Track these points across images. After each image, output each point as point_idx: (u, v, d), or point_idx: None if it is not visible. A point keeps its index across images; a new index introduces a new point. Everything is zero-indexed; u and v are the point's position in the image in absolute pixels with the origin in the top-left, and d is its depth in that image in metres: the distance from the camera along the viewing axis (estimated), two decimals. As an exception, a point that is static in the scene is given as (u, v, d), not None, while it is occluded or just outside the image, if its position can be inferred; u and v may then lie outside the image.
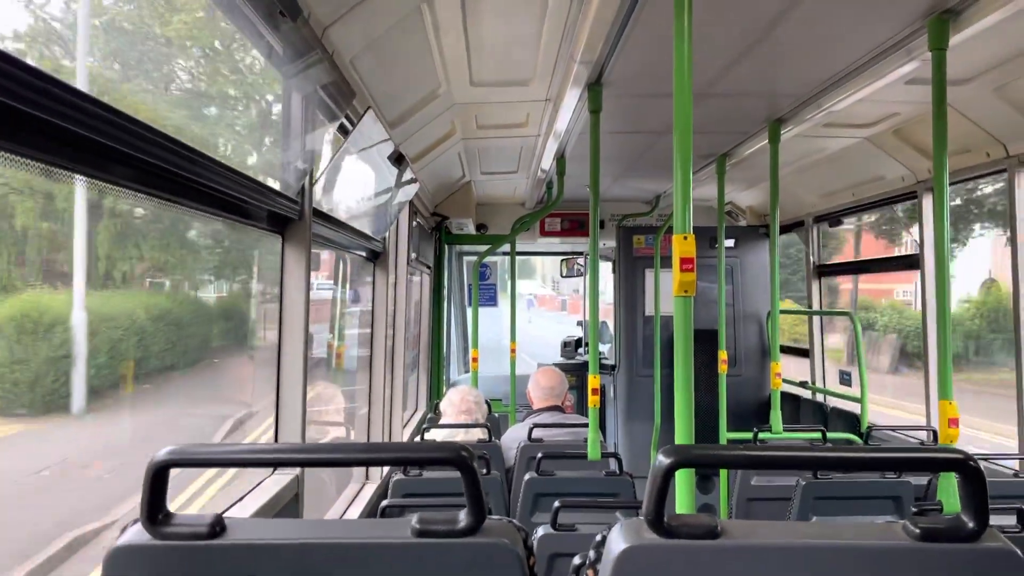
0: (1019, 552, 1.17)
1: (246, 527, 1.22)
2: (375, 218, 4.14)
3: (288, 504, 2.42)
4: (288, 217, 2.51)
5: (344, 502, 3.84)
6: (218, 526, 1.20)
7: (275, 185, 2.41)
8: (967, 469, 1.18)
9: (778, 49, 3.21)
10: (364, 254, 4.27)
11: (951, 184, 2.99)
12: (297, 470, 2.55)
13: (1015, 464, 3.73)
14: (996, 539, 1.18)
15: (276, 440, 2.50)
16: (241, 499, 2.31)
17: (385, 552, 1.20)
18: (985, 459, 3.88)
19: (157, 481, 1.19)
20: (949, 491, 2.90)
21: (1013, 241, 3.86)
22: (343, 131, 2.99)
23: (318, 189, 2.78)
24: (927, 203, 4.68)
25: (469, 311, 7.37)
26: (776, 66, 3.45)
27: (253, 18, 1.96)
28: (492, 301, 8.34)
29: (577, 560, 1.79)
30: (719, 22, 2.89)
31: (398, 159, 3.98)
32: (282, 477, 2.46)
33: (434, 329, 7.14)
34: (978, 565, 1.16)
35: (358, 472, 4.24)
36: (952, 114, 3.45)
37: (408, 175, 4.29)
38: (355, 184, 3.61)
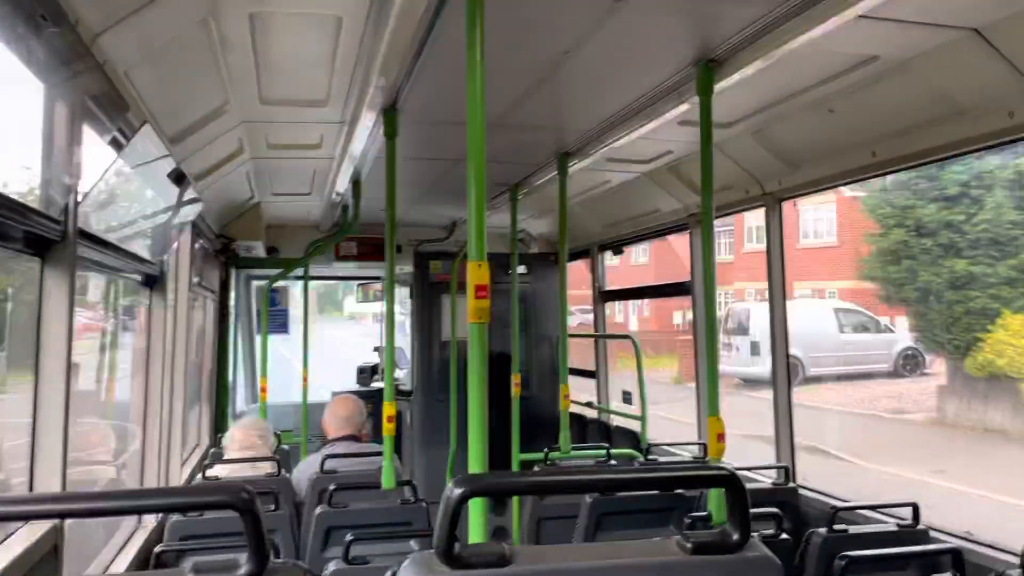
0: (776, 559, 1.28)
1: None
2: (152, 240, 3.86)
3: (44, 560, 2.15)
4: (49, 238, 2.27)
5: (113, 549, 3.49)
6: None
7: (33, 203, 2.17)
8: (731, 485, 1.27)
9: (565, 86, 3.37)
10: (139, 278, 3.97)
11: (716, 217, 3.26)
12: (53, 522, 2.29)
13: (774, 474, 4.12)
14: (757, 549, 1.28)
15: (31, 488, 2.22)
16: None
17: None
18: (748, 470, 4.25)
19: None
20: (719, 502, 3.14)
21: (769, 264, 4.29)
22: (116, 145, 2.76)
23: (86, 208, 2.55)
24: (696, 234, 5.08)
25: (259, 338, 7.05)
26: (563, 102, 3.62)
27: (11, 20, 1.77)
28: (283, 328, 8.01)
29: None
30: (510, 57, 2.99)
31: (179, 177, 3.74)
32: (36, 529, 2.19)
33: (219, 358, 6.76)
34: (742, 571, 1.26)
35: (128, 518, 3.89)
36: (717, 154, 3.78)
37: (190, 194, 4.05)
38: (129, 203, 3.35)
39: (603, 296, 6.67)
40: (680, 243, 5.84)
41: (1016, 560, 2.31)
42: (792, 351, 4.53)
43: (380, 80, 2.97)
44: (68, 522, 2.34)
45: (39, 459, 2.18)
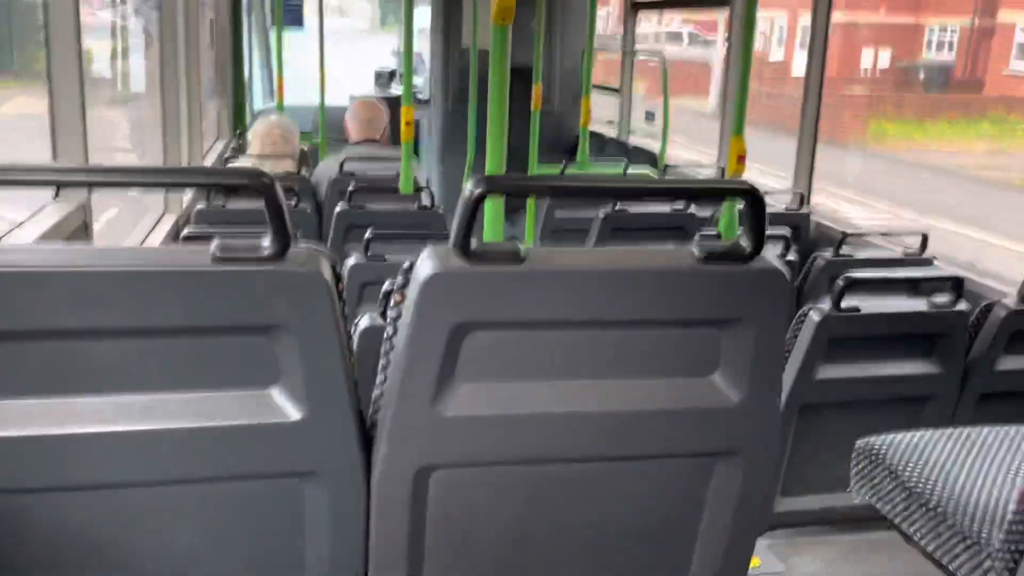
0: (785, 271, 1.31)
1: (19, 253, 1.12)
2: None
3: (74, 235, 2.24)
4: None
5: (141, 232, 3.64)
6: None
7: None
8: (751, 197, 1.27)
9: None
10: None
11: None
12: (82, 195, 2.35)
13: (787, 199, 4.15)
14: (766, 261, 1.31)
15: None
16: (17, 226, 2.10)
17: (181, 278, 1.14)
18: (763, 194, 4.27)
19: None
20: (728, 222, 3.18)
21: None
22: None
23: None
24: None
25: (273, 33, 6.78)
26: None
27: None
28: (298, 21, 7.66)
29: (386, 286, 1.83)
30: None
31: None
32: (65, 205, 2.25)
33: (233, 50, 6.56)
34: (751, 282, 1.30)
35: (155, 206, 4.00)
36: None
37: None
38: None
39: (634, 7, 6.29)
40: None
41: (1014, 291, 2.38)
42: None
43: None
44: (96, 212, 2.40)
45: (61, 136, 2.19)
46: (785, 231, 3.17)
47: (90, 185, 1.20)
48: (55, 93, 2.18)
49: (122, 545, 1.26)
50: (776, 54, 15.90)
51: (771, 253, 3.06)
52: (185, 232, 2.63)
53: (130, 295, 1.13)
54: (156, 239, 3.56)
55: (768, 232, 1.30)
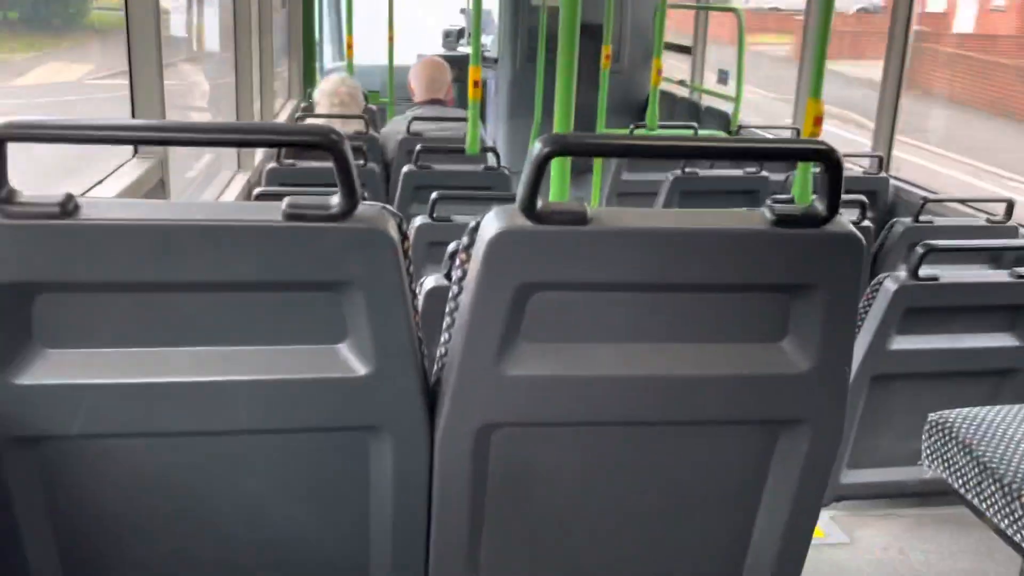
0: (860, 237, 1.27)
1: (103, 207, 1.15)
2: None
3: (152, 191, 2.31)
4: None
5: (215, 190, 3.74)
6: (70, 205, 1.12)
7: None
8: (828, 159, 1.22)
9: None
10: None
11: None
12: (161, 153, 2.42)
13: (866, 163, 4.00)
14: (841, 225, 1.27)
15: None
16: (99, 184, 2.18)
17: (254, 234, 1.17)
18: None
19: None
20: (803, 186, 3.09)
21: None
22: None
23: None
24: None
25: None
26: None
27: None
28: None
29: (452, 246, 1.84)
30: None
31: None
32: (144, 161, 2.32)
33: (304, 10, 6.61)
34: (824, 246, 1.26)
35: (228, 164, 4.10)
36: None
37: None
38: None
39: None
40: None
41: None
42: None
43: None
44: (172, 171, 2.47)
45: (139, 94, 2.25)
46: (861, 196, 3.06)
47: (166, 142, 1.23)
48: (133, 52, 2.24)
49: (196, 491, 1.32)
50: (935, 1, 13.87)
51: (846, 219, 2.97)
52: (257, 191, 2.69)
53: (205, 249, 1.16)
54: (229, 198, 3.65)
55: (843, 197, 1.25)
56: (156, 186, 2.34)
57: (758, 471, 1.42)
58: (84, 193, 2.10)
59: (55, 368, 1.19)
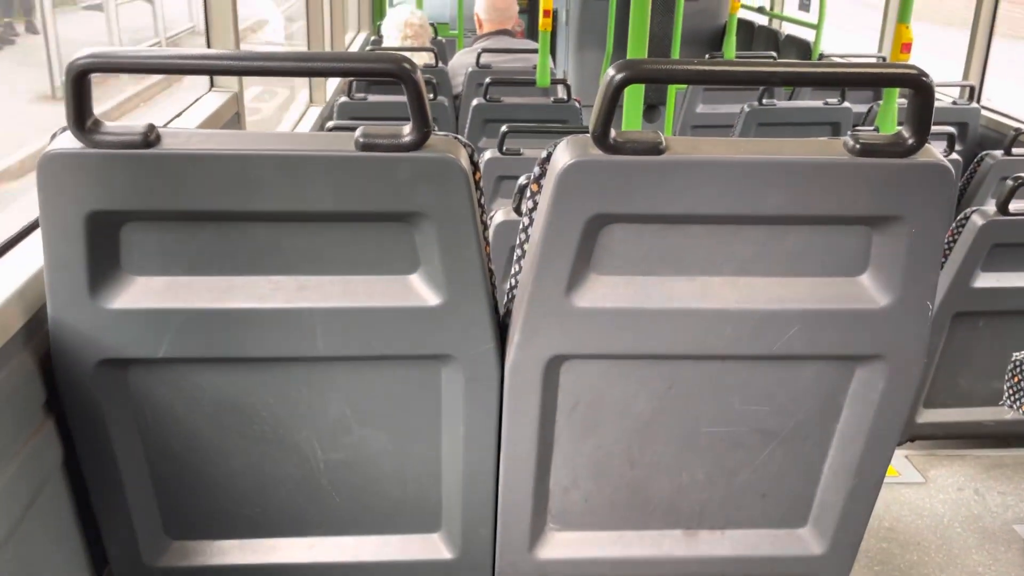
0: (950, 167, 1.21)
1: (183, 137, 1.18)
2: None
3: (228, 123, 2.36)
4: None
5: (288, 124, 3.78)
6: (152, 135, 1.15)
7: None
8: (918, 84, 1.16)
9: None
10: None
11: None
12: (235, 87, 2.45)
13: (955, 92, 3.80)
14: (930, 155, 1.21)
15: None
16: (177, 116, 2.23)
17: (328, 164, 1.18)
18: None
19: (79, 86, 1.12)
20: (888, 117, 2.96)
21: None
22: None
23: None
24: None
25: None
26: None
27: None
28: None
29: (522, 179, 1.82)
30: None
31: None
32: (220, 95, 2.36)
33: None
34: (911, 176, 1.21)
35: (302, 97, 4.13)
36: None
37: None
38: None
39: None
40: None
41: None
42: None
43: None
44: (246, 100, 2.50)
45: (214, 28, 2.28)
46: (949, 128, 2.92)
47: (242, 72, 1.24)
48: None
49: (275, 413, 1.37)
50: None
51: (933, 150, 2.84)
52: (330, 124, 2.71)
53: (281, 179, 1.18)
54: (302, 128, 3.69)
55: (931, 129, 1.19)
56: (232, 119, 2.38)
57: (832, 407, 1.40)
58: (165, 125, 2.15)
59: (141, 294, 1.24)
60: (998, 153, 2.88)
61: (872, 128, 3.06)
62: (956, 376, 2.37)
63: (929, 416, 2.41)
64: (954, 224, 2.18)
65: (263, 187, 1.18)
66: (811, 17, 5.38)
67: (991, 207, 2.12)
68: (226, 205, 1.19)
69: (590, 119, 1.21)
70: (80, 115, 1.12)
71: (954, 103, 3.72)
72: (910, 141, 1.19)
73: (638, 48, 2.09)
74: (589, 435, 1.42)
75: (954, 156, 2.89)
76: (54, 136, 1.17)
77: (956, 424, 2.43)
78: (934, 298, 1.32)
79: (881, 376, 1.35)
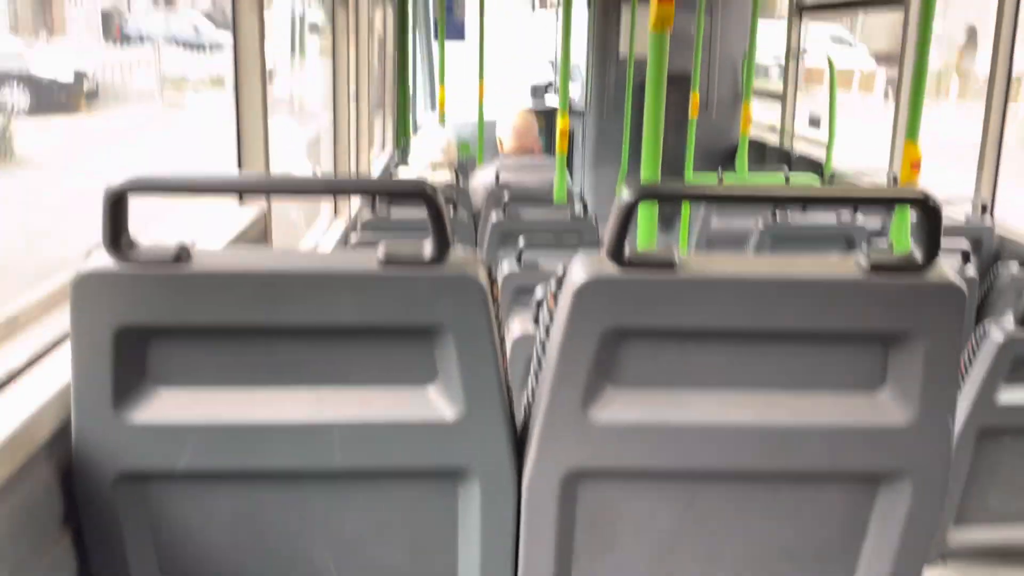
0: (961, 285, 1.23)
1: (213, 255, 1.23)
2: None
3: (255, 239, 2.43)
4: None
5: (313, 238, 3.88)
6: (183, 253, 1.20)
7: None
8: (923, 205, 1.20)
9: None
10: None
11: None
12: (264, 204, 2.54)
13: (967, 209, 3.85)
14: (941, 273, 1.23)
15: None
16: (207, 233, 2.31)
17: (352, 280, 1.22)
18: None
19: (116, 207, 1.17)
20: (902, 232, 3.00)
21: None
22: None
23: None
24: None
25: (436, 45, 7.05)
26: None
27: None
28: (459, 34, 7.93)
29: (539, 293, 1.86)
30: None
31: None
32: (248, 211, 2.45)
33: (399, 65, 6.87)
34: (922, 296, 1.22)
35: (325, 213, 4.25)
36: None
37: None
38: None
39: (801, 9, 6.05)
40: None
41: None
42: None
43: None
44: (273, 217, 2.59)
45: (246, 150, 2.38)
46: (964, 243, 2.95)
47: (270, 192, 1.30)
48: (241, 110, 2.38)
49: (292, 529, 1.35)
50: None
51: (947, 266, 2.86)
52: (353, 239, 2.79)
53: (306, 294, 1.21)
54: (327, 244, 3.79)
55: (945, 245, 1.22)
56: (260, 233, 2.46)
57: (857, 527, 1.37)
58: (194, 240, 2.22)
59: (164, 407, 1.25)
60: (1014, 266, 2.89)
61: (886, 244, 3.09)
62: (986, 493, 2.30)
63: (960, 535, 2.33)
64: (973, 338, 2.17)
65: (288, 302, 1.21)
66: (821, 134, 5.54)
67: (1010, 320, 2.12)
68: (251, 320, 1.22)
69: (605, 234, 1.24)
70: (116, 234, 1.17)
71: (967, 218, 3.76)
72: (920, 259, 1.21)
73: (651, 167, 2.16)
74: (608, 553, 1.40)
75: (970, 272, 2.90)
76: (88, 253, 1.22)
77: (989, 543, 2.35)
78: (955, 414, 1.31)
79: (906, 494, 1.32)
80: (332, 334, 1.26)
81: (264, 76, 2.39)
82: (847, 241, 3.50)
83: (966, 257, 2.91)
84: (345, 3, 4.24)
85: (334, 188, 1.38)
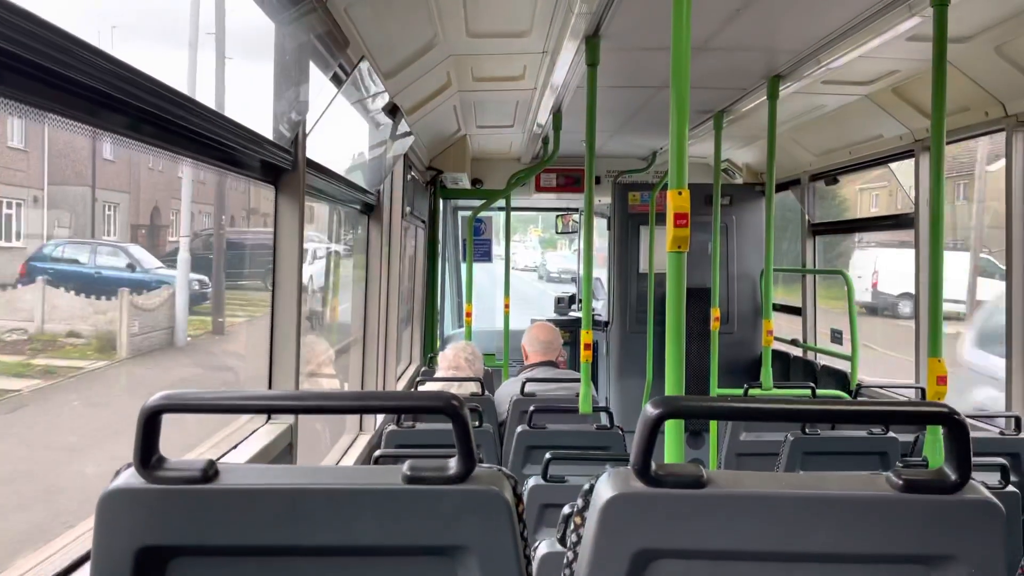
0: (999, 503, 1.20)
1: (239, 472, 1.24)
2: (369, 171, 4.11)
3: (281, 453, 2.44)
4: (281, 167, 2.49)
5: (338, 452, 3.87)
6: (211, 471, 1.21)
7: (268, 134, 2.39)
8: (951, 423, 1.19)
9: (778, 3, 3.16)
10: (358, 207, 4.25)
11: (948, 143, 2.97)
12: (291, 420, 2.57)
13: (1002, 423, 3.78)
14: (977, 491, 1.20)
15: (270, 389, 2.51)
16: (234, 448, 2.33)
17: (376, 497, 1.21)
18: (972, 417, 3.93)
19: (150, 426, 1.20)
20: (935, 447, 2.94)
21: (1008, 200, 3.86)
22: (337, 81, 2.95)
23: (312, 140, 2.76)
24: (924, 162, 4.66)
25: (464, 266, 7.37)
26: (776, 20, 3.41)
27: None
28: (487, 256, 8.32)
29: (566, 509, 1.82)
30: None
31: (392, 111, 3.94)
32: (276, 427, 2.48)
33: (429, 283, 7.15)
34: (958, 515, 1.19)
35: (351, 424, 4.27)
36: (951, 72, 3.43)
37: (403, 127, 4.26)
38: (349, 136, 3.58)
39: (813, 229, 6.32)
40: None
41: None
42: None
43: (583, 7, 2.95)
44: (299, 429, 2.62)
45: (277, 367, 2.46)
46: (1001, 459, 2.87)
47: (297, 411, 1.33)
48: (275, 330, 2.49)
49: None
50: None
51: (987, 481, 2.77)
52: (377, 453, 2.79)
53: (330, 512, 1.20)
54: (351, 457, 3.77)
55: (982, 460, 1.20)
56: (285, 450, 2.47)
57: None
58: (220, 458, 2.24)
59: None
60: None
61: (921, 459, 3.02)
62: None
63: None
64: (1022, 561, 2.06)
65: (312, 521, 1.20)
66: (844, 348, 5.57)
67: None
68: (275, 540, 1.21)
69: (631, 450, 1.24)
70: (147, 453, 1.19)
71: (1001, 433, 3.69)
72: (953, 477, 1.19)
73: (675, 381, 2.18)
74: None
75: (1011, 488, 2.81)
76: (118, 473, 1.23)
77: None
78: None
79: None
80: (354, 555, 1.24)
81: (299, 300, 2.52)
82: (882, 456, 3.42)
83: (1004, 471, 2.82)
84: (379, 226, 4.51)
85: (361, 406, 1.40)
